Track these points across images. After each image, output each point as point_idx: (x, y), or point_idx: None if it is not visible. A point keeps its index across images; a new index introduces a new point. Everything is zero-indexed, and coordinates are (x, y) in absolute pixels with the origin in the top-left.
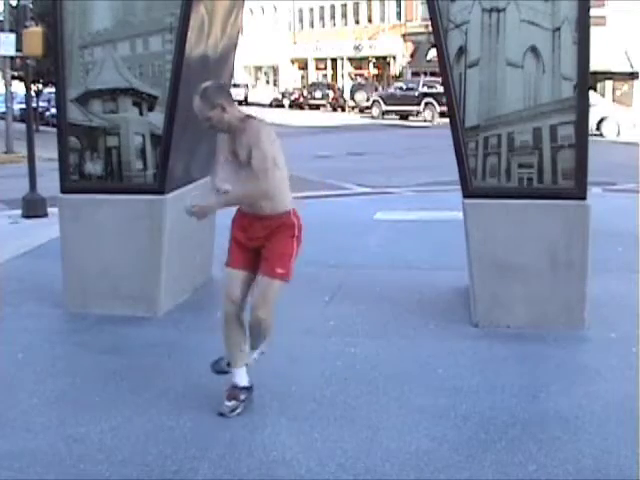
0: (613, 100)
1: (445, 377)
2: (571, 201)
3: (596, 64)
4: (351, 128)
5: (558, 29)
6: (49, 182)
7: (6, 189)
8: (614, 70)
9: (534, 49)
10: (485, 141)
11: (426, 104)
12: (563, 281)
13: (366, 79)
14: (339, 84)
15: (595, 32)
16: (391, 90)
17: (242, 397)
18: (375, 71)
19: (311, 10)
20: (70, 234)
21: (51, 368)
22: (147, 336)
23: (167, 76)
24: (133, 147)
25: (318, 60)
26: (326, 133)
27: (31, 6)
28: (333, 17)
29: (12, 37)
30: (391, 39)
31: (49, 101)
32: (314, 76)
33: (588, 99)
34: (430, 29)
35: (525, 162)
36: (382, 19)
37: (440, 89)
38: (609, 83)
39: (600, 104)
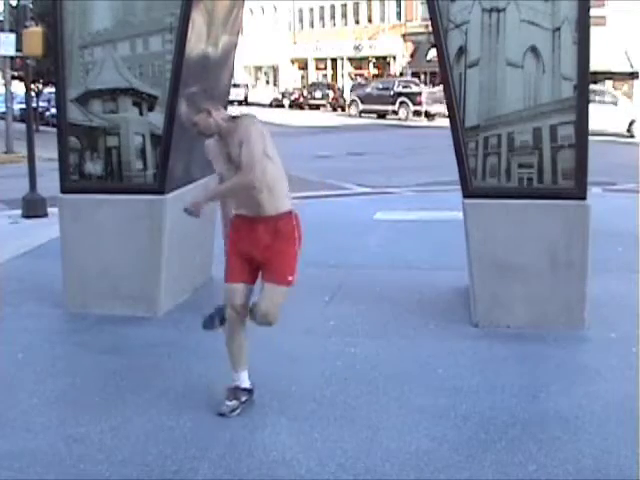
0: None
1: (445, 377)
2: (571, 201)
3: (596, 64)
4: (351, 128)
5: (558, 29)
6: (49, 182)
7: (6, 189)
8: (614, 70)
9: (534, 49)
10: (485, 141)
11: (400, 103)
12: (563, 281)
13: (366, 79)
14: (339, 84)
15: (595, 32)
16: (368, 90)
17: (243, 398)
18: (375, 71)
19: (311, 10)
20: (70, 234)
21: (51, 368)
22: (147, 336)
23: (167, 76)
24: (133, 147)
25: (318, 60)
26: (326, 133)
27: (31, 6)
28: (333, 17)
29: (12, 37)
30: (391, 39)
31: (49, 101)
32: (314, 76)
33: (588, 99)
34: (430, 29)
35: (525, 162)
36: (382, 19)
37: (414, 89)
38: (609, 83)
39: (629, 106)
